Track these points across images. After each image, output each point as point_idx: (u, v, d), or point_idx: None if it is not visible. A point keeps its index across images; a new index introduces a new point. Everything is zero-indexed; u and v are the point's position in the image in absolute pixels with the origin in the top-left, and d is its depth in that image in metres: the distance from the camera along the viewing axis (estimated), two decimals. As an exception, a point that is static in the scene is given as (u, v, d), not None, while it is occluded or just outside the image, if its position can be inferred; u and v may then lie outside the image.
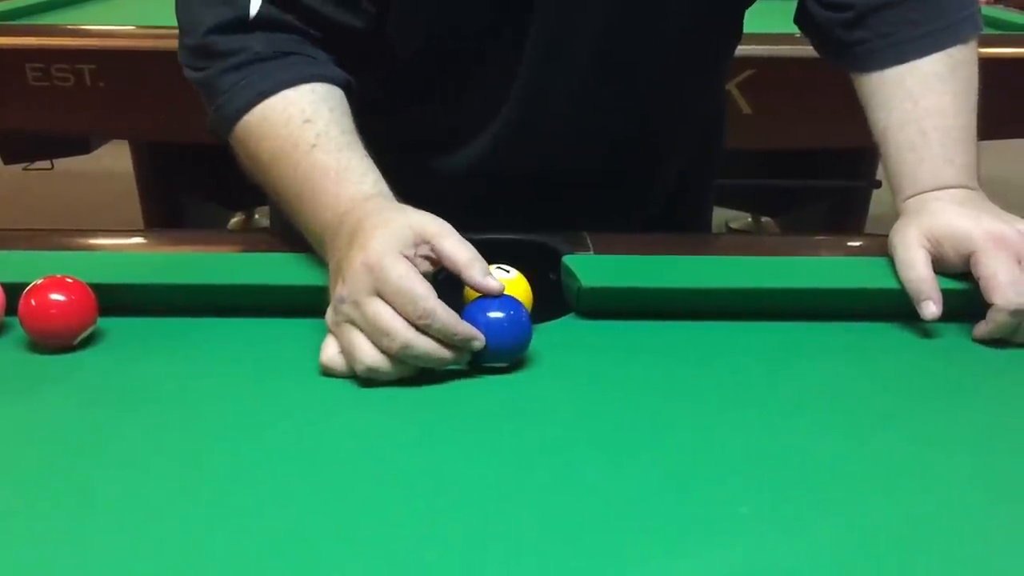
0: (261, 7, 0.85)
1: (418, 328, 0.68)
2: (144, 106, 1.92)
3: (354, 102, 0.86)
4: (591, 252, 0.88)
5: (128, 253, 0.93)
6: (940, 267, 0.81)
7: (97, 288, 0.77)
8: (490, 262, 0.78)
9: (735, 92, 1.88)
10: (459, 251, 0.72)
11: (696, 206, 1.21)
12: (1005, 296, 0.76)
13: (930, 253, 0.81)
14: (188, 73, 0.89)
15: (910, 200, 0.86)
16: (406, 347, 0.68)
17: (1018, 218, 0.82)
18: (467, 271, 0.71)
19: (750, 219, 3.16)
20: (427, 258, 0.71)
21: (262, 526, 0.55)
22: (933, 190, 0.85)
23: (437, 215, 0.76)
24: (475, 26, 0.92)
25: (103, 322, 0.77)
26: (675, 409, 0.69)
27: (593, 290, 0.81)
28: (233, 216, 3.02)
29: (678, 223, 1.15)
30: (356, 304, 0.69)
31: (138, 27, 1.95)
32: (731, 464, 0.62)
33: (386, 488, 0.59)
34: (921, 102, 0.87)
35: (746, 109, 1.90)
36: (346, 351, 0.71)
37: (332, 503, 0.58)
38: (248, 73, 0.84)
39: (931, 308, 0.78)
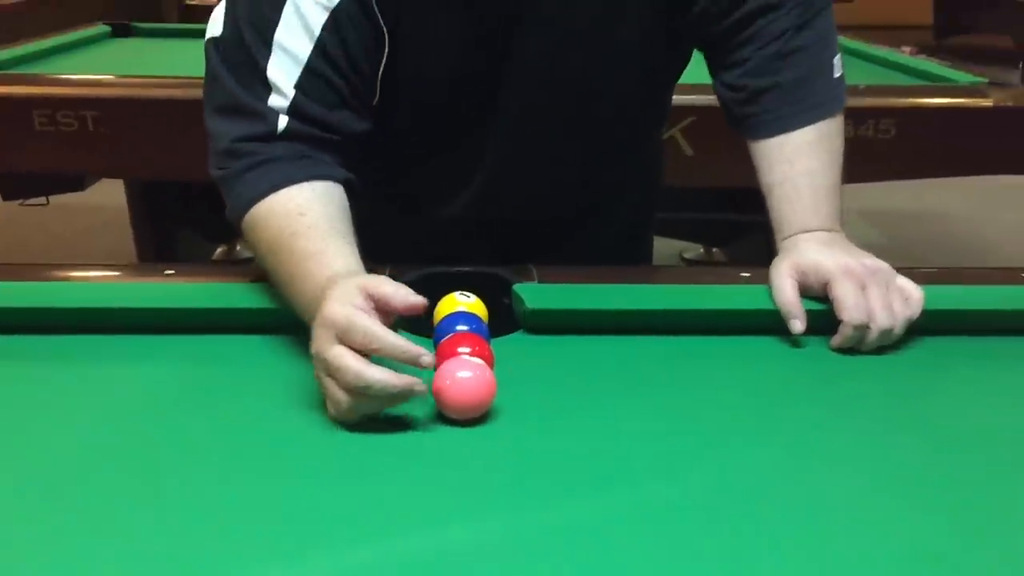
0: (288, 123, 0.94)
1: (374, 360, 0.74)
2: (141, 149, 2.00)
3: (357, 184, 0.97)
4: (536, 281, 1.01)
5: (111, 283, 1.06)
6: (805, 292, 0.98)
7: (87, 312, 0.92)
8: (454, 289, 0.92)
9: (679, 136, 2.00)
10: (386, 287, 0.79)
11: (639, 240, 1.37)
12: (850, 314, 0.94)
13: (798, 281, 0.98)
14: (213, 172, 0.97)
15: (785, 240, 1.03)
16: (358, 377, 0.73)
17: (866, 253, 0.99)
18: (393, 299, 0.78)
19: (702, 250, 3.27)
20: (375, 309, 0.78)
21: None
22: (802, 232, 1.02)
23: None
24: (451, 92, 1.05)
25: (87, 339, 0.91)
26: (598, 406, 0.83)
27: (537, 311, 0.95)
28: (217, 248, 3.10)
29: (625, 255, 1.30)
30: (319, 354, 0.76)
31: (138, 77, 2.08)
32: (640, 460, 0.73)
33: (337, 499, 0.66)
34: (796, 164, 1.04)
35: (688, 151, 2.02)
36: (327, 398, 0.77)
37: (297, 511, 0.66)
38: (265, 171, 0.93)
39: (797, 325, 0.96)
